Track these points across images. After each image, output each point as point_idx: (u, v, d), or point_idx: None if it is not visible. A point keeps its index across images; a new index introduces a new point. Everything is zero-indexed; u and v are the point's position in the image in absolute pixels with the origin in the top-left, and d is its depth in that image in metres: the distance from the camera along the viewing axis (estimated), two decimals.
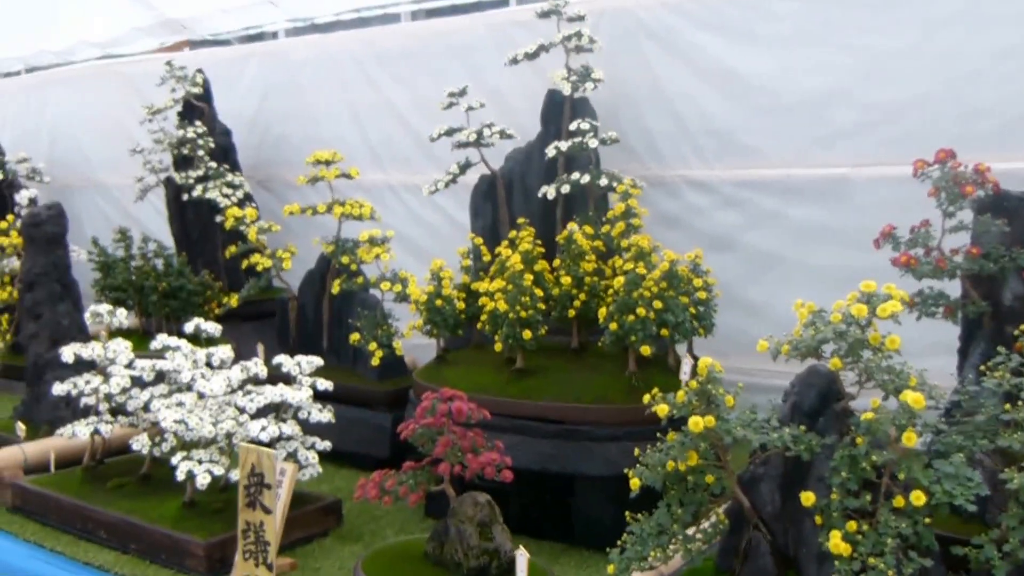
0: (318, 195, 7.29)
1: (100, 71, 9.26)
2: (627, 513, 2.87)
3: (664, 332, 3.75)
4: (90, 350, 4.38)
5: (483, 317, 4.14)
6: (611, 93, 5.48)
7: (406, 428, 3.31)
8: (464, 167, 5.51)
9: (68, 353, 4.37)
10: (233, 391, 3.98)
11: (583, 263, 4.12)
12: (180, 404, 4.11)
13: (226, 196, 6.72)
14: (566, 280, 4.04)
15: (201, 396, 4.08)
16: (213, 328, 4.54)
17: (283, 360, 4.10)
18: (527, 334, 3.90)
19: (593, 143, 5.02)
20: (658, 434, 2.94)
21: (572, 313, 4.09)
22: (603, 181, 4.93)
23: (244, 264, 5.51)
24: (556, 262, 4.18)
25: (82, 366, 4.51)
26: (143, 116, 7.26)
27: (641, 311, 3.66)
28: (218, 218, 6.78)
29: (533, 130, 5.53)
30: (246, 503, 3.33)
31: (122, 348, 4.40)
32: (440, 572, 3.23)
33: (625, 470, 2.88)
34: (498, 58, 6.26)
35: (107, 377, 4.31)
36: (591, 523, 3.75)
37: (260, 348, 5.45)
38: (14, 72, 10.60)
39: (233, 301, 5.57)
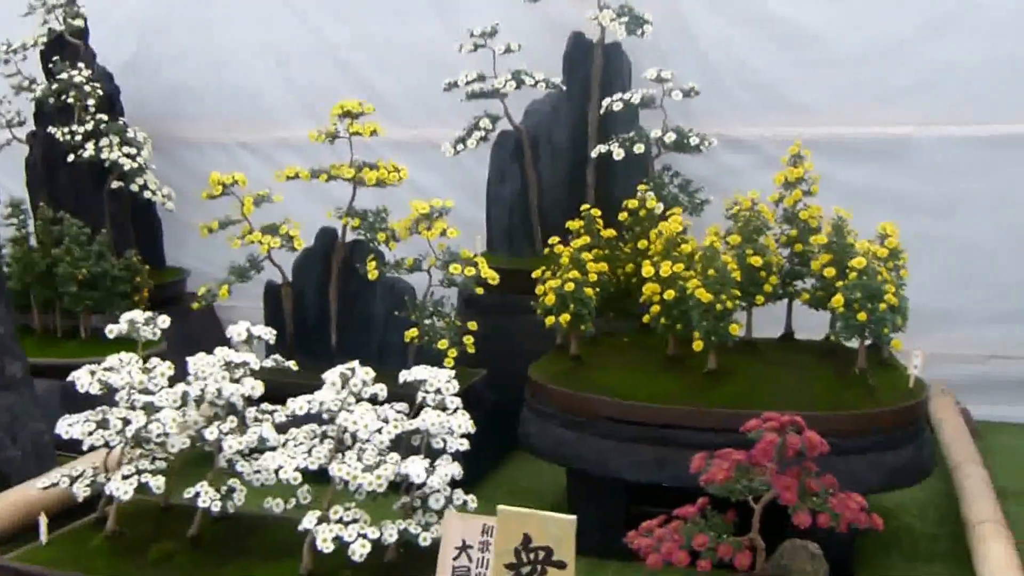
0: (228, 158, 6.01)
1: None
2: None
3: (900, 321, 3.16)
4: (122, 374, 3.09)
5: (654, 309, 3.33)
6: (630, 40, 4.76)
7: (712, 474, 2.48)
8: (495, 120, 4.57)
9: (86, 378, 3.06)
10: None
11: (768, 239, 3.42)
12: (264, 441, 2.99)
13: (130, 157, 5.25)
14: (755, 261, 3.33)
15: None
16: (265, 331, 3.36)
17: (420, 373, 3.04)
18: (734, 328, 3.15)
19: (678, 96, 4.29)
20: None
21: (761, 300, 3.40)
22: (694, 140, 4.24)
23: (236, 243, 4.23)
24: (716, 240, 3.42)
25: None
26: None
27: (892, 298, 3.04)
28: (116, 184, 5.31)
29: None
30: None
31: (165, 369, 3.14)
32: None
33: None
34: None
35: (151, 410, 3.04)
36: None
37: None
38: None
39: (223, 293, 4.25)
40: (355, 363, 2.95)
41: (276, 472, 2.85)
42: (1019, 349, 4.70)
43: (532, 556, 2.33)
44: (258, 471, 3.18)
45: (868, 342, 3.21)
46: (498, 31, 4.55)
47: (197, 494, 3.03)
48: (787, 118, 4.88)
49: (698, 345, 3.16)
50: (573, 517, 2.30)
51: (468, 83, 4.50)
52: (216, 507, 3.02)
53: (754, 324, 3.56)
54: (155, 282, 5.09)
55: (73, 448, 4.08)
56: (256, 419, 3.23)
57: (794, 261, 3.51)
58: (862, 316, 3.04)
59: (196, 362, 3.22)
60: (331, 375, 2.89)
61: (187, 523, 3.21)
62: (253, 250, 4.31)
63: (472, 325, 3.99)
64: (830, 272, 3.29)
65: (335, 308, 4.37)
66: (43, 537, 3.17)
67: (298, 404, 2.89)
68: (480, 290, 3.99)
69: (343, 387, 2.87)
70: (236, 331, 3.34)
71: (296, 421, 3.10)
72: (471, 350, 3.93)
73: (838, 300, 3.10)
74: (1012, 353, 4.70)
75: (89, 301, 4.62)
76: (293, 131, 5.86)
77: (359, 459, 2.81)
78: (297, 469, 2.84)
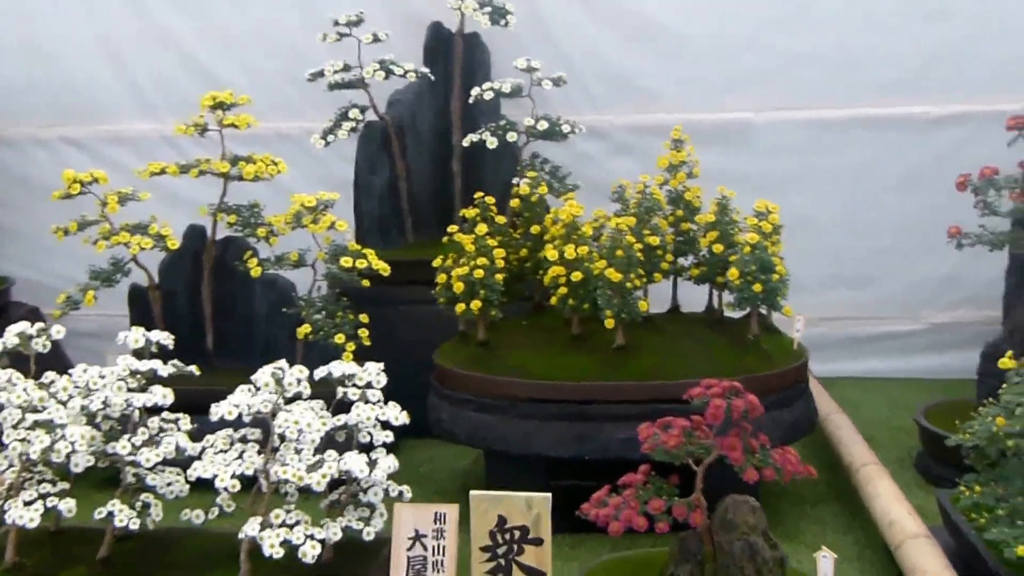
0: (50, 155, 5.58)
1: None
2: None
3: (785, 290, 3.40)
4: (17, 392, 2.82)
5: (560, 291, 3.40)
6: (486, 30, 4.81)
7: (664, 440, 2.58)
8: (364, 110, 4.49)
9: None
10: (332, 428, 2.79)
11: (660, 219, 3.56)
12: (181, 452, 2.84)
13: None
14: (653, 240, 3.46)
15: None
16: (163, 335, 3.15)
17: (344, 368, 2.95)
18: (643, 305, 3.28)
19: (548, 85, 4.38)
20: None
21: (659, 278, 3.54)
22: (565, 128, 4.34)
23: (100, 246, 3.91)
24: (622, 221, 3.53)
25: None
26: None
27: (782, 269, 3.27)
28: None
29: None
30: (489, 570, 2.37)
31: (66, 384, 2.90)
32: None
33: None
34: None
35: (50, 428, 2.78)
36: None
37: (112, 356, 3.95)
38: None
39: (89, 299, 3.90)
40: (283, 362, 2.83)
41: (213, 480, 2.70)
42: (851, 311, 5.16)
43: (508, 536, 2.35)
44: (170, 483, 3.02)
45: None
46: (363, 20, 4.45)
47: (111, 513, 2.84)
48: (637, 106, 5.10)
49: (610, 323, 3.26)
50: (548, 495, 2.34)
51: (335, 72, 4.38)
52: (134, 525, 2.83)
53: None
54: None
55: None
56: (161, 429, 3.05)
57: (678, 240, 3.68)
58: (758, 287, 3.25)
59: (82, 374, 3.00)
60: (262, 376, 2.76)
61: (88, 546, 2.99)
62: (107, 255, 4.01)
63: (364, 318, 3.91)
64: (719, 248, 3.49)
65: (210, 309, 4.16)
66: None
67: (225, 409, 2.74)
68: (366, 283, 3.92)
69: (276, 387, 2.75)
70: (132, 337, 3.13)
71: (208, 428, 2.96)
72: (367, 343, 3.86)
73: (734, 273, 3.29)
74: (844, 314, 5.15)
75: None
76: (126, 125, 5.53)
77: (300, 459, 2.72)
78: (234, 476, 2.70)
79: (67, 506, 2.79)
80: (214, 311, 4.15)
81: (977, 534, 2.79)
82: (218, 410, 2.73)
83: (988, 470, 2.89)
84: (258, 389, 2.79)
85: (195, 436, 2.93)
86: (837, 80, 4.93)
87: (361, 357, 4.03)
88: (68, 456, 2.76)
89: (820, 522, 3.51)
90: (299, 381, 2.77)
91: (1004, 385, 2.86)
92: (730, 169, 4.96)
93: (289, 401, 2.82)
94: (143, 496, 2.92)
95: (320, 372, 2.94)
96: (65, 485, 2.93)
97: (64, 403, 2.87)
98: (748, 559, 2.59)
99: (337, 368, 2.94)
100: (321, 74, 4.42)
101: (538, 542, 2.33)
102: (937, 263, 4.99)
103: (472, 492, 2.39)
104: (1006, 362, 2.84)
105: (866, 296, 5.22)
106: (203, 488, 2.87)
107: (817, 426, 3.56)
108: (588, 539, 3.31)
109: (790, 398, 3.32)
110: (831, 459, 3.84)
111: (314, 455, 2.74)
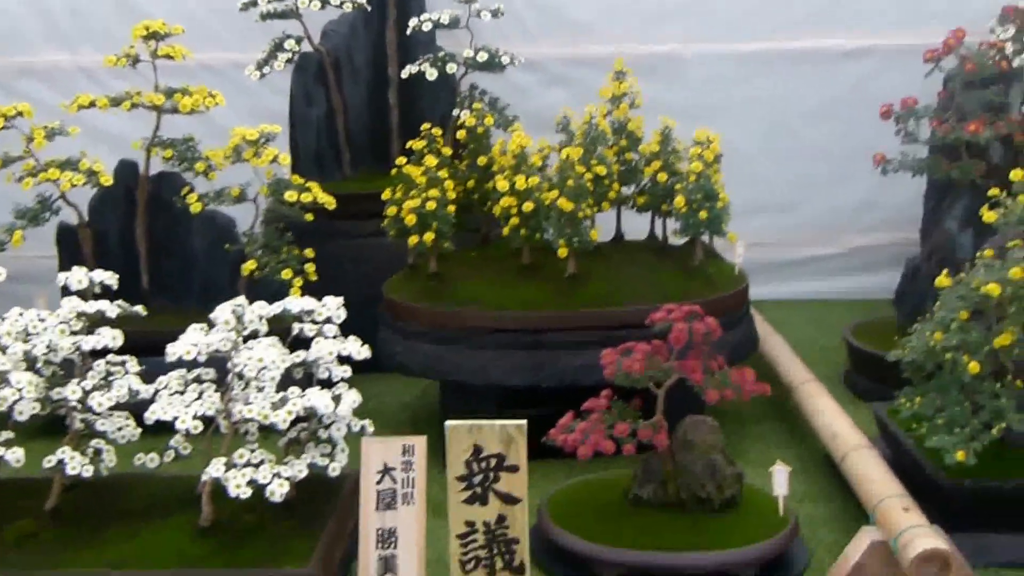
0: None
1: None
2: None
3: (728, 217, 3.40)
4: None
5: (512, 221, 3.32)
6: None
7: (628, 365, 2.55)
8: (299, 41, 4.26)
9: None
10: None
11: (605, 150, 3.50)
12: (135, 395, 2.70)
13: None
14: (600, 170, 3.41)
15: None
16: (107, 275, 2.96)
17: (302, 304, 2.83)
18: (594, 234, 3.24)
19: (487, 16, 4.23)
20: None
21: (607, 207, 3.49)
22: (505, 59, 4.22)
23: (27, 183, 3.64)
24: (572, 152, 3.44)
25: None
26: None
27: (724, 196, 3.26)
28: None
29: None
30: (465, 499, 2.32)
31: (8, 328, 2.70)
32: (674, 515, 2.63)
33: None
34: None
35: None
36: None
37: (41, 299, 3.73)
38: None
39: (17, 239, 3.62)
40: (242, 299, 2.69)
41: (168, 422, 2.57)
42: (775, 236, 5.24)
43: (483, 465, 2.30)
44: (121, 428, 2.87)
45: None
46: None
47: (61, 461, 2.68)
48: (569, 38, 5.01)
49: (563, 252, 3.21)
50: (523, 422, 2.30)
51: (269, 2, 4.14)
52: (87, 472, 2.69)
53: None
54: None
55: None
56: (108, 372, 2.89)
57: (622, 169, 3.64)
58: (703, 214, 3.24)
59: (19, 318, 2.81)
60: (221, 313, 2.62)
61: (34, 497, 2.84)
62: (31, 193, 3.75)
63: (309, 252, 3.77)
64: (663, 177, 3.46)
65: (144, 247, 3.95)
66: None
67: (182, 348, 2.60)
68: (310, 217, 3.78)
69: (237, 324, 2.62)
70: (75, 278, 2.94)
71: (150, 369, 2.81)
72: (313, 278, 3.72)
73: (680, 201, 3.27)
74: (769, 240, 5.22)
75: None
76: (39, 56, 5.16)
77: (263, 397, 2.61)
78: (195, 417, 2.58)
79: (15, 456, 2.61)
80: (150, 250, 3.94)
81: (915, 443, 2.87)
82: (175, 350, 2.59)
83: (924, 382, 2.97)
84: (211, 327, 2.66)
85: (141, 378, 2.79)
86: (757, 13, 4.96)
87: (305, 293, 3.92)
88: (13, 404, 2.59)
89: (762, 439, 3.58)
90: (260, 318, 2.64)
91: (938, 302, 2.92)
92: (658, 99, 4.88)
93: (246, 339, 2.71)
94: (94, 442, 2.77)
95: (276, 308, 2.82)
96: (10, 434, 2.75)
97: (4, 349, 2.68)
98: (709, 476, 2.63)
99: (295, 304, 2.83)
100: (254, 3, 4.17)
101: (514, 469, 2.29)
102: (854, 188, 5.10)
103: (448, 422, 2.33)
104: (942, 280, 2.90)
105: (788, 221, 5.31)
106: (149, 432, 2.75)
107: (758, 346, 3.60)
108: (543, 465, 3.27)
109: (734, 321, 3.34)
110: (766, 378, 3.90)
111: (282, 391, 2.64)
